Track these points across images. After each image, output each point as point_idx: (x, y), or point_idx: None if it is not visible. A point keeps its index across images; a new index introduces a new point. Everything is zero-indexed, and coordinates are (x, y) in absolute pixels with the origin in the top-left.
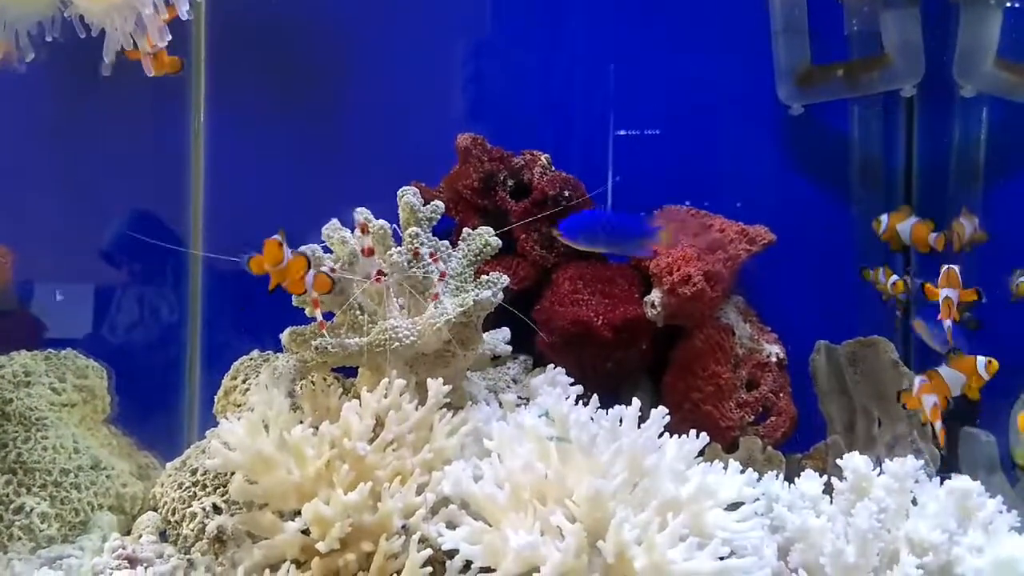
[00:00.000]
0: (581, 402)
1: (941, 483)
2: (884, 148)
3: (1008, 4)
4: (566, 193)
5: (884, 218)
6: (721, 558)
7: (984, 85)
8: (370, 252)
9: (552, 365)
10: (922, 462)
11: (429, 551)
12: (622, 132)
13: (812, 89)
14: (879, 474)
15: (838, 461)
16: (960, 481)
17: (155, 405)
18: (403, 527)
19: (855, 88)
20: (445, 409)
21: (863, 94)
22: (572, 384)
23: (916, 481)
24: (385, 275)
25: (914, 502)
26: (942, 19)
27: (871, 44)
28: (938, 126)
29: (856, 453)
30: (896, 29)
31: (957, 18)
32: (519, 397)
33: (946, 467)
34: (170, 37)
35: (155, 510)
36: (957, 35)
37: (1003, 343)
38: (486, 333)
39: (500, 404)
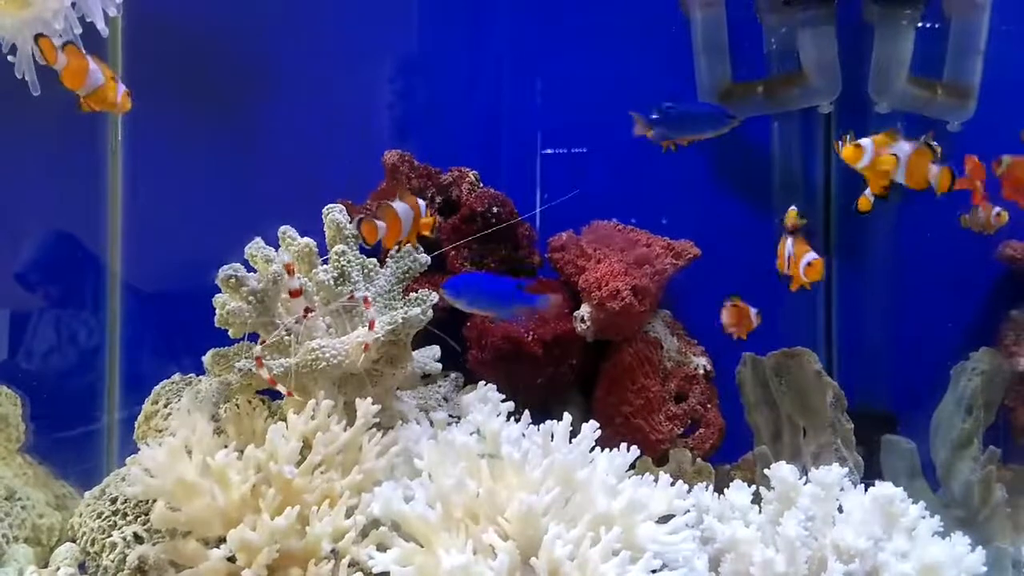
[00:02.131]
0: (512, 418)
1: (865, 490)
2: (803, 162)
3: (920, 24)
4: (494, 209)
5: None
6: (653, 571)
7: (898, 101)
8: (297, 294)
9: (483, 382)
10: (847, 470)
11: (360, 575)
12: (549, 151)
13: (733, 106)
14: (805, 483)
15: (766, 471)
16: (883, 488)
17: (73, 432)
18: (332, 551)
19: (775, 105)
20: (375, 429)
21: (783, 110)
22: (503, 401)
23: (841, 489)
24: (313, 311)
25: (840, 510)
26: (857, 38)
27: (789, 62)
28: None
29: (783, 463)
30: (813, 48)
31: (871, 37)
32: (450, 415)
33: (870, 474)
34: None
35: (73, 541)
36: (872, 53)
37: (922, 352)
38: (416, 351)
39: (431, 423)
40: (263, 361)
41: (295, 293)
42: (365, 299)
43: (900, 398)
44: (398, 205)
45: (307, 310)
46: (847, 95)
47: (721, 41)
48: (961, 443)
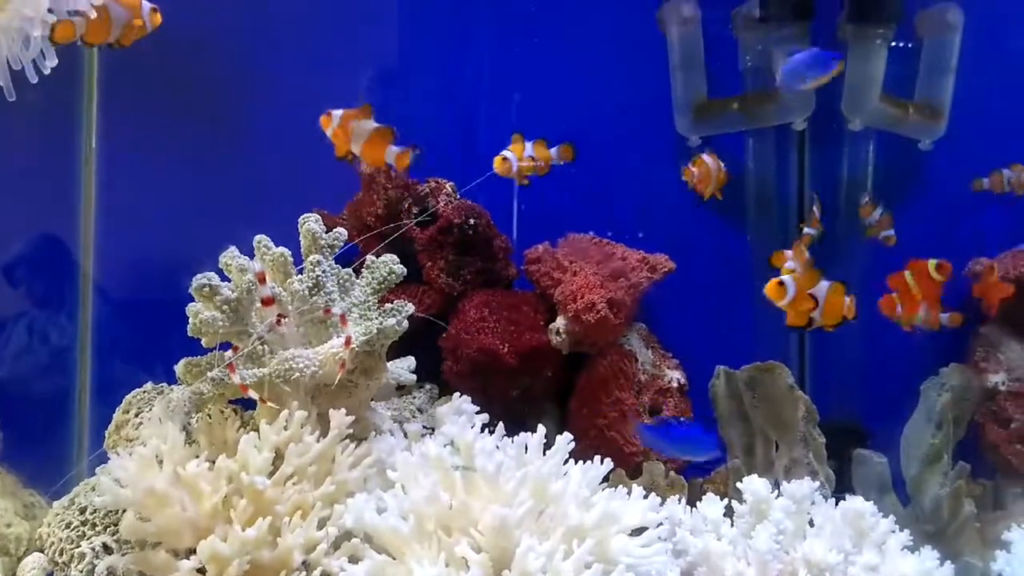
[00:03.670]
0: (487, 430)
1: (836, 504)
2: (777, 179)
3: (892, 43)
4: (471, 221)
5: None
6: None
7: (871, 119)
8: (270, 302)
9: (458, 393)
10: (818, 484)
11: None
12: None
13: (709, 122)
14: (777, 497)
15: (738, 484)
16: (854, 502)
17: (42, 441)
18: (304, 563)
19: (749, 121)
20: (348, 441)
21: (757, 127)
22: (478, 412)
23: (813, 503)
24: (285, 318)
25: (811, 523)
26: None
27: (764, 79)
28: (828, 158)
29: (755, 476)
30: None
31: (845, 55)
32: (425, 427)
33: (841, 488)
34: (56, 61)
35: (41, 551)
36: (845, 72)
37: (893, 367)
38: (391, 362)
39: (405, 434)
40: (235, 368)
41: (267, 301)
42: (342, 317)
43: (871, 413)
44: None
45: (280, 317)
46: (820, 113)
47: (697, 57)
48: (931, 458)
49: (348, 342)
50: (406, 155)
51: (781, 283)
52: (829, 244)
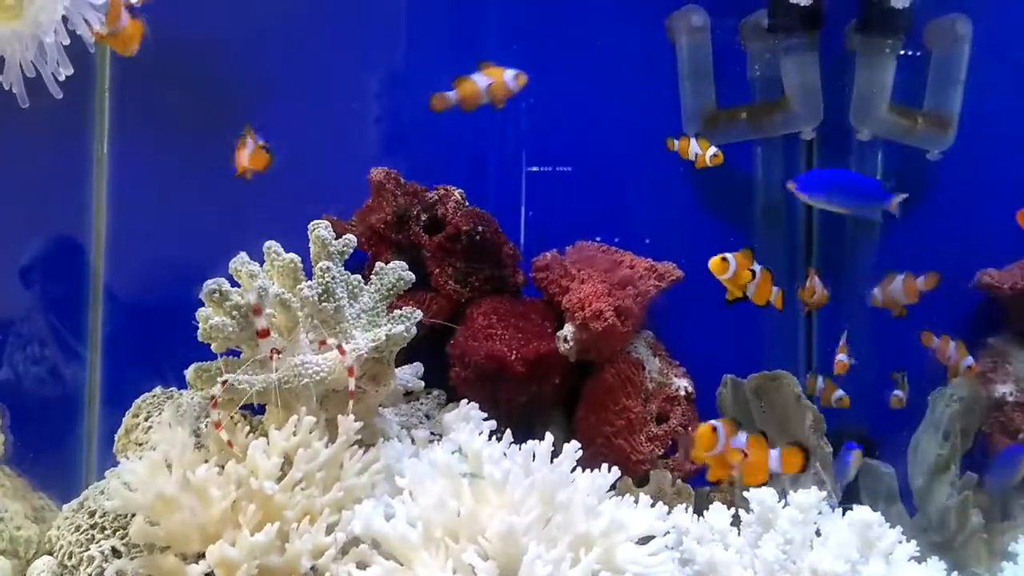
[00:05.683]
0: (494, 437)
1: (843, 514)
2: (785, 188)
3: (901, 53)
4: (479, 228)
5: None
6: None
7: (879, 129)
8: (265, 334)
9: (465, 400)
10: (825, 493)
11: None
12: (535, 168)
13: (717, 131)
14: (784, 506)
15: (745, 493)
16: (861, 512)
17: (51, 444)
18: (312, 568)
19: (758, 131)
20: (356, 446)
21: (765, 136)
22: (485, 419)
23: (820, 512)
24: (280, 353)
25: (818, 533)
26: (840, 66)
27: (773, 89)
28: (836, 168)
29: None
30: (796, 75)
31: (853, 65)
32: (432, 433)
33: (848, 498)
34: (71, 69)
35: (51, 554)
36: (854, 81)
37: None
38: (398, 368)
39: (413, 440)
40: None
41: (262, 334)
42: (339, 348)
43: (879, 423)
44: None
45: (274, 351)
46: (829, 122)
47: (706, 67)
48: (938, 468)
49: (342, 351)
50: (259, 155)
51: (714, 429)
52: (835, 254)
